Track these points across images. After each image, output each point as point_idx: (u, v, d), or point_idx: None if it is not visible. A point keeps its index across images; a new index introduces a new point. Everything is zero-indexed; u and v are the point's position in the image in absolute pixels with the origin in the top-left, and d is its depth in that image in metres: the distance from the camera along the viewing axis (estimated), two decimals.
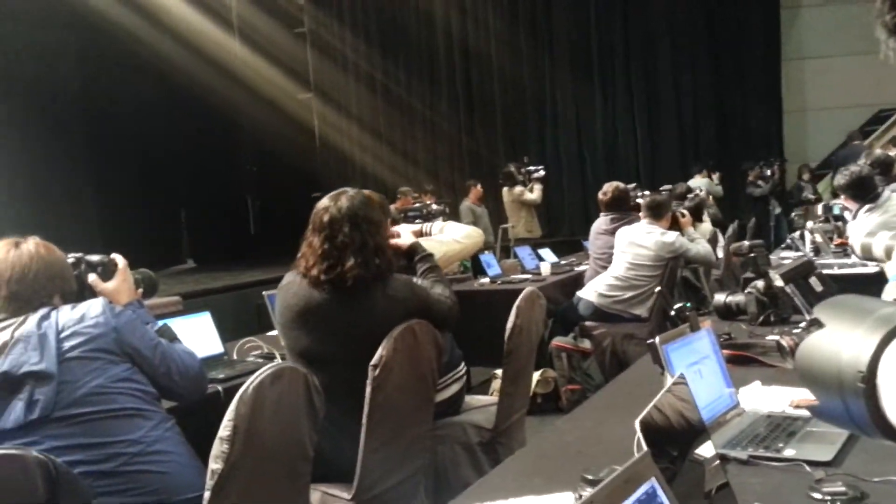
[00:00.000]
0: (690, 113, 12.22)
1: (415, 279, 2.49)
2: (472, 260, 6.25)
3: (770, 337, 2.28)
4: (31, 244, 2.01)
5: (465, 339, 2.92)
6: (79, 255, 2.23)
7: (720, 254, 5.81)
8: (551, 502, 1.44)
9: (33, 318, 1.89)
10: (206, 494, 1.72)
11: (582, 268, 5.86)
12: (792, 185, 11.10)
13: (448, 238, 2.97)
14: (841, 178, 4.30)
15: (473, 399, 3.00)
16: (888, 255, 2.23)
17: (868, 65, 10.36)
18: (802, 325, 0.87)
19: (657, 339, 1.77)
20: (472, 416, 2.85)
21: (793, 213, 7.48)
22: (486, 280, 5.66)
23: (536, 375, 4.48)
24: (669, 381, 1.35)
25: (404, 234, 2.71)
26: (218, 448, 1.71)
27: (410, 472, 2.45)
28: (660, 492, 0.94)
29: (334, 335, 2.32)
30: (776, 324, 2.68)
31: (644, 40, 12.27)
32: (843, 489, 1.33)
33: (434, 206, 3.76)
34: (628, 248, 4.80)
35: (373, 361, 2.21)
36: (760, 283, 2.80)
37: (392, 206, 3.30)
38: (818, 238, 5.22)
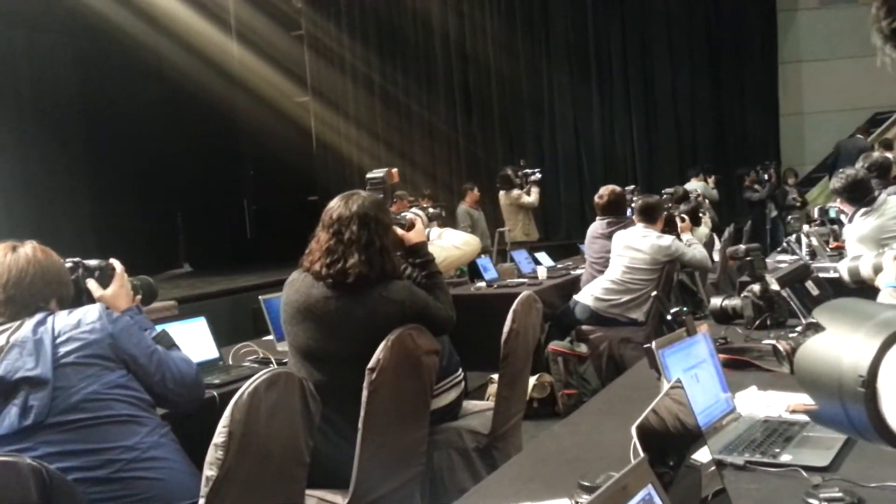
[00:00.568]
0: (687, 116, 12.27)
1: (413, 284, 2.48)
2: (468, 263, 6.25)
3: (766, 341, 2.28)
4: (29, 248, 1.99)
5: (461, 343, 2.92)
6: (77, 259, 2.23)
7: (716, 257, 5.81)
8: None
9: (29, 323, 1.88)
10: (201, 501, 1.71)
11: (578, 271, 5.85)
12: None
13: (448, 244, 2.98)
14: (837, 182, 4.30)
15: (470, 404, 3.00)
16: (876, 271, 2.23)
17: (864, 68, 10.42)
18: (799, 328, 0.87)
19: (654, 344, 1.77)
20: (469, 421, 2.84)
21: (789, 217, 7.49)
22: (482, 284, 5.66)
23: (533, 380, 4.47)
24: (666, 385, 1.34)
25: (418, 227, 2.68)
26: (213, 454, 1.70)
27: (407, 477, 2.45)
28: (657, 498, 0.93)
29: (332, 332, 2.32)
30: (772, 328, 2.68)
31: (641, 43, 12.31)
32: (839, 495, 1.33)
33: (430, 210, 3.76)
34: (625, 252, 4.80)
35: (370, 365, 2.20)
36: (757, 287, 2.80)
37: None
38: (814, 241, 5.22)
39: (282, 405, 1.84)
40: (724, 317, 2.86)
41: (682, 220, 5.60)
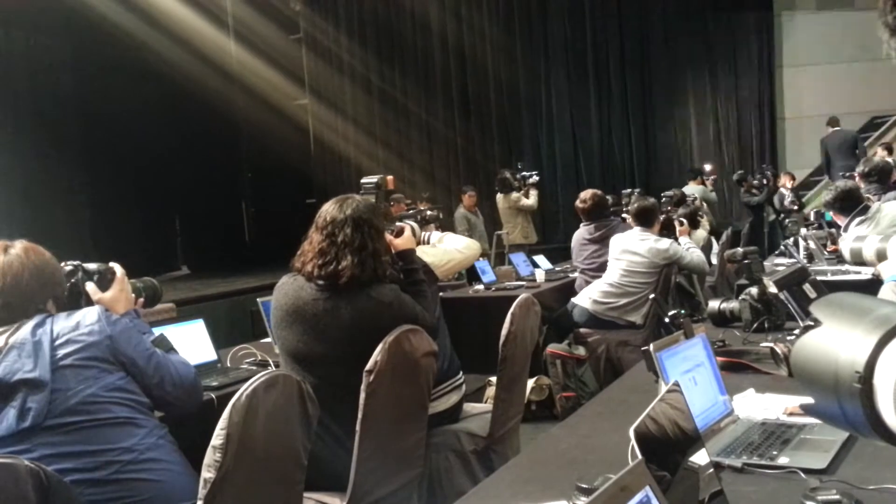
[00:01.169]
0: (685, 119, 12.28)
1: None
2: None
3: (764, 344, 2.28)
4: (20, 249, 1.97)
5: (459, 345, 2.93)
6: (76, 262, 2.22)
7: (714, 261, 5.81)
8: None
9: (28, 325, 1.88)
10: (199, 503, 1.71)
11: (576, 274, 5.86)
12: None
13: (451, 248, 3.00)
14: (827, 195, 4.30)
15: (468, 406, 3.00)
16: (879, 257, 2.22)
17: (862, 72, 10.47)
18: (797, 331, 0.87)
19: (651, 347, 1.77)
20: (467, 424, 2.84)
21: (787, 220, 7.49)
22: (480, 287, 5.66)
23: (531, 382, 4.47)
24: (664, 388, 1.34)
25: (406, 235, 2.70)
26: (211, 457, 1.70)
27: (404, 480, 2.45)
28: (654, 500, 0.94)
29: (321, 334, 2.33)
30: (770, 330, 2.67)
31: (639, 46, 12.34)
32: (837, 497, 1.32)
33: (428, 213, 3.76)
34: (622, 256, 4.80)
35: (367, 367, 2.20)
36: (754, 290, 2.80)
37: None
38: (812, 245, 5.22)
39: (280, 407, 1.84)
40: (722, 319, 2.87)
41: (681, 223, 5.60)
